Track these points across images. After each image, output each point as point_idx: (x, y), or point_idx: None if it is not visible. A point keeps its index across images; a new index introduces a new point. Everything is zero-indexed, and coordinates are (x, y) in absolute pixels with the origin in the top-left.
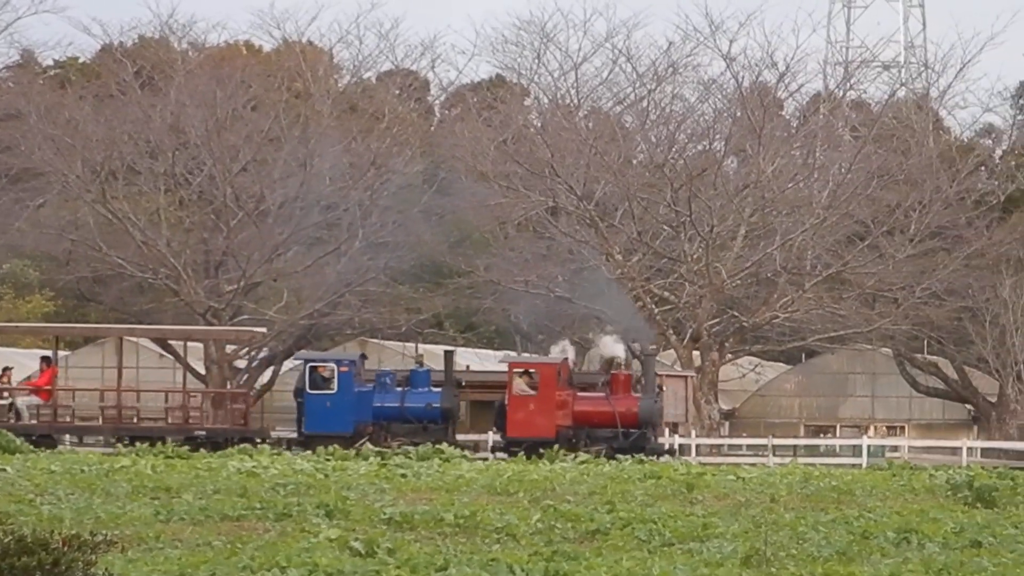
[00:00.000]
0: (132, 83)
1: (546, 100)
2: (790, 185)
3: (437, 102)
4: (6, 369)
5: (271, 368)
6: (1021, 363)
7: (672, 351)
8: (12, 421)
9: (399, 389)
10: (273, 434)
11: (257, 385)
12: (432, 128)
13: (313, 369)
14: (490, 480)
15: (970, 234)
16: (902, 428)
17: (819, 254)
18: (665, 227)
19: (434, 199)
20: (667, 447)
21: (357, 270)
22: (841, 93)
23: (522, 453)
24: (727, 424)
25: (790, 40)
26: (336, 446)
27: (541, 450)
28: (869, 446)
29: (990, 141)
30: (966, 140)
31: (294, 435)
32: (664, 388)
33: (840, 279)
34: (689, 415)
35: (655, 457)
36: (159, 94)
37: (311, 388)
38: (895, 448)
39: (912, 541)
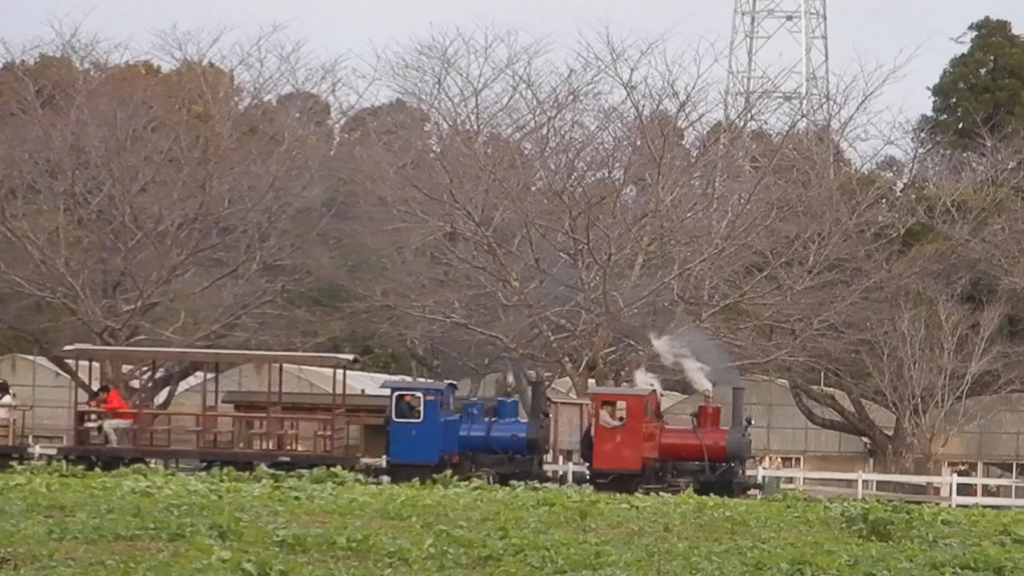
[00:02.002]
0: (33, 102)
1: (446, 126)
2: (689, 215)
3: (337, 126)
4: (103, 389)
5: (167, 388)
6: (918, 397)
7: (568, 378)
8: (103, 444)
9: (486, 419)
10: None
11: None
12: (332, 152)
13: (400, 398)
14: (383, 504)
15: (869, 267)
16: (798, 459)
17: (717, 284)
18: (563, 254)
19: (332, 223)
20: (756, 480)
21: (254, 292)
22: (742, 123)
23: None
24: None
25: (691, 70)
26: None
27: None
28: (764, 477)
29: (891, 174)
30: (867, 172)
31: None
32: (558, 416)
33: (737, 310)
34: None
35: (743, 492)
36: (60, 113)
37: (397, 417)
38: (790, 479)
39: (806, 573)
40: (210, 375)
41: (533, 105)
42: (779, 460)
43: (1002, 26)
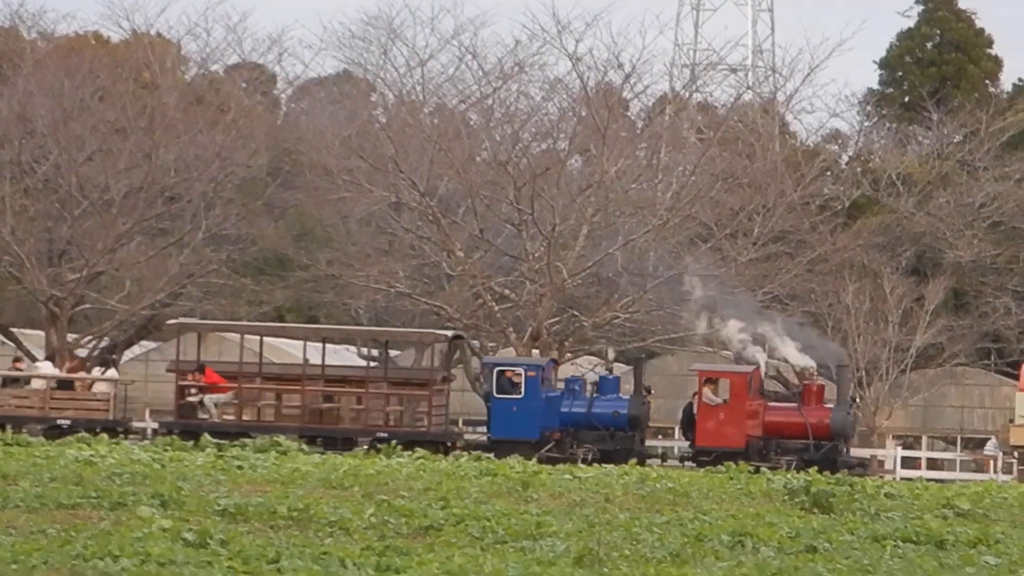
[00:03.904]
0: None
1: (392, 96)
2: (633, 186)
3: (283, 96)
4: (202, 366)
5: (112, 357)
6: (863, 369)
7: (512, 349)
8: (207, 418)
9: (587, 396)
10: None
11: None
12: (278, 122)
13: (501, 374)
14: (326, 474)
15: (814, 239)
16: None
17: (661, 255)
18: (507, 225)
19: (278, 192)
20: (859, 460)
21: (199, 262)
22: (687, 95)
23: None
24: None
25: (636, 42)
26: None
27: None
28: None
29: (836, 147)
30: (812, 145)
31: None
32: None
33: (681, 281)
34: None
35: (847, 471)
36: (7, 83)
37: (498, 393)
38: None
39: (747, 545)
40: (152, 345)
41: (479, 76)
42: None
43: (948, 0)
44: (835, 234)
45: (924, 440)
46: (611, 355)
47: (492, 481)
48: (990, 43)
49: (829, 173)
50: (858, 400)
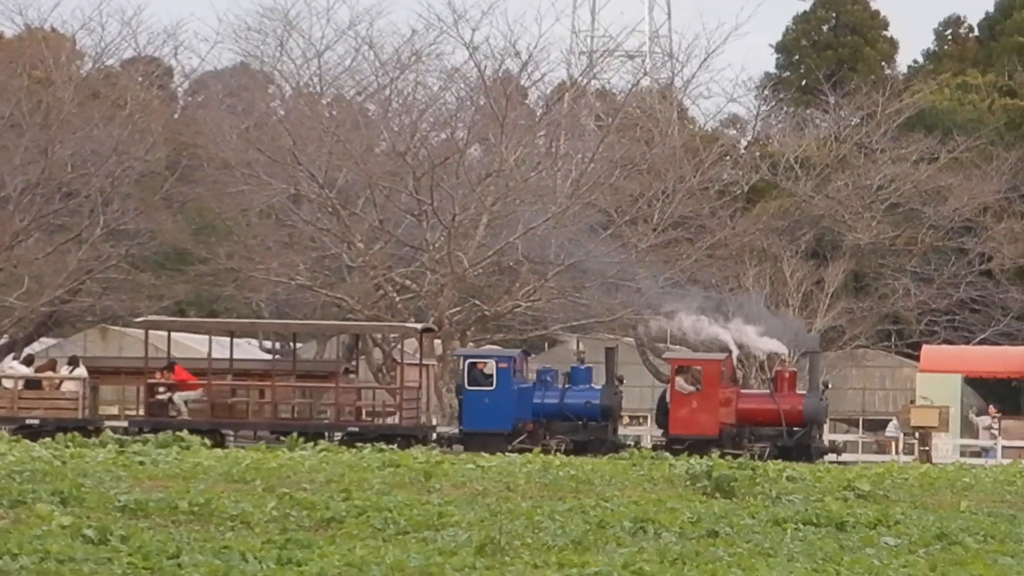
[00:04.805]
0: None
1: (289, 88)
2: (533, 174)
3: (180, 89)
4: (172, 364)
5: (11, 355)
6: (764, 353)
7: (413, 339)
8: (176, 416)
9: (559, 386)
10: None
11: None
12: (175, 115)
13: (472, 365)
14: (228, 468)
15: (713, 224)
16: (645, 418)
17: (562, 243)
18: (407, 215)
19: (176, 186)
20: (833, 446)
21: (98, 257)
22: (585, 82)
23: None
24: None
25: (533, 29)
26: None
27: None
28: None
29: (734, 131)
30: (710, 130)
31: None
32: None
33: (582, 268)
34: (430, 404)
35: (821, 456)
36: None
37: (470, 385)
38: (638, 438)
39: (648, 530)
40: (52, 341)
41: (376, 67)
42: (626, 418)
43: None
44: (735, 219)
45: (827, 423)
46: (579, 344)
47: (395, 472)
48: (886, 25)
49: (728, 158)
50: (830, 386)
